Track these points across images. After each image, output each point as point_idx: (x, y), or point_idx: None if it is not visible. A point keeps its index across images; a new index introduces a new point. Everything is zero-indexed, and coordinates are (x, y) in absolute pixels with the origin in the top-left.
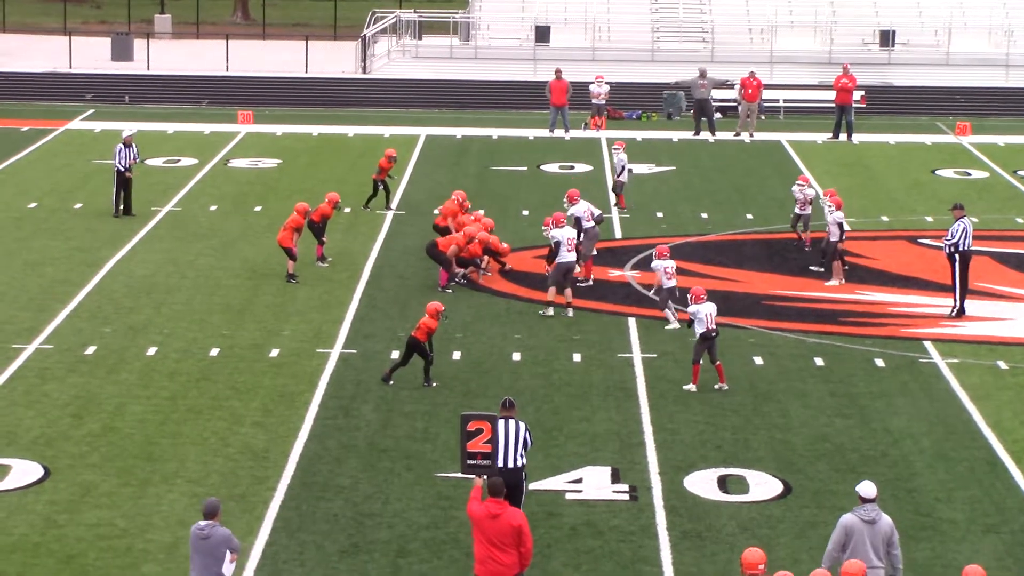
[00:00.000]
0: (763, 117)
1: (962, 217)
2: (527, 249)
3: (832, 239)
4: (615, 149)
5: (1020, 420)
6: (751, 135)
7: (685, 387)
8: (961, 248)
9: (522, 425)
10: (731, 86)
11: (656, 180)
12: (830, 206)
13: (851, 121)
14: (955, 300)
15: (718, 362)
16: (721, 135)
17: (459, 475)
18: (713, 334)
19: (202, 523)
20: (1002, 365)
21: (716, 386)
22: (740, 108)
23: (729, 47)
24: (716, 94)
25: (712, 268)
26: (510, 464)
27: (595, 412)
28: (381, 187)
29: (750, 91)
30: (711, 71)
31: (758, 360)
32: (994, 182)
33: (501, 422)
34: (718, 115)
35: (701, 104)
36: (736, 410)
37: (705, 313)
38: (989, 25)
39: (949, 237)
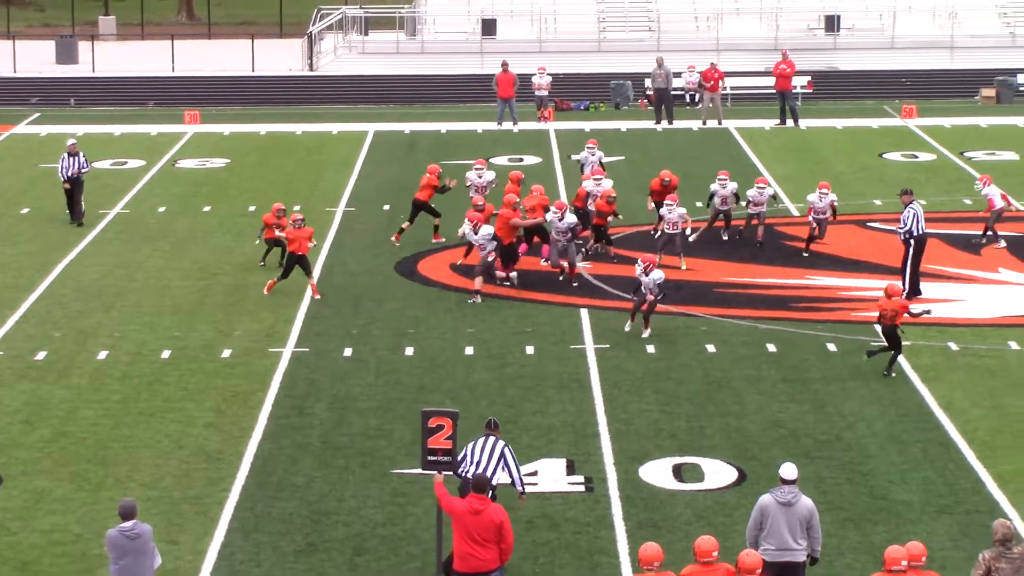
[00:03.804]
0: (728, 105)
1: (911, 202)
2: None
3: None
4: (589, 148)
5: (971, 401)
6: (719, 122)
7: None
8: (916, 233)
9: (500, 443)
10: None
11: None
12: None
13: (794, 107)
14: (903, 284)
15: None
16: (685, 123)
17: (415, 471)
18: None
19: (126, 524)
20: (953, 346)
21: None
22: (703, 99)
23: (675, 35)
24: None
25: (663, 257)
26: None
27: (549, 404)
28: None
29: (711, 82)
30: (664, 60)
31: (711, 348)
32: (941, 164)
33: (481, 439)
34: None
35: (660, 94)
36: (690, 398)
37: (652, 282)
38: (933, 8)
39: (902, 224)
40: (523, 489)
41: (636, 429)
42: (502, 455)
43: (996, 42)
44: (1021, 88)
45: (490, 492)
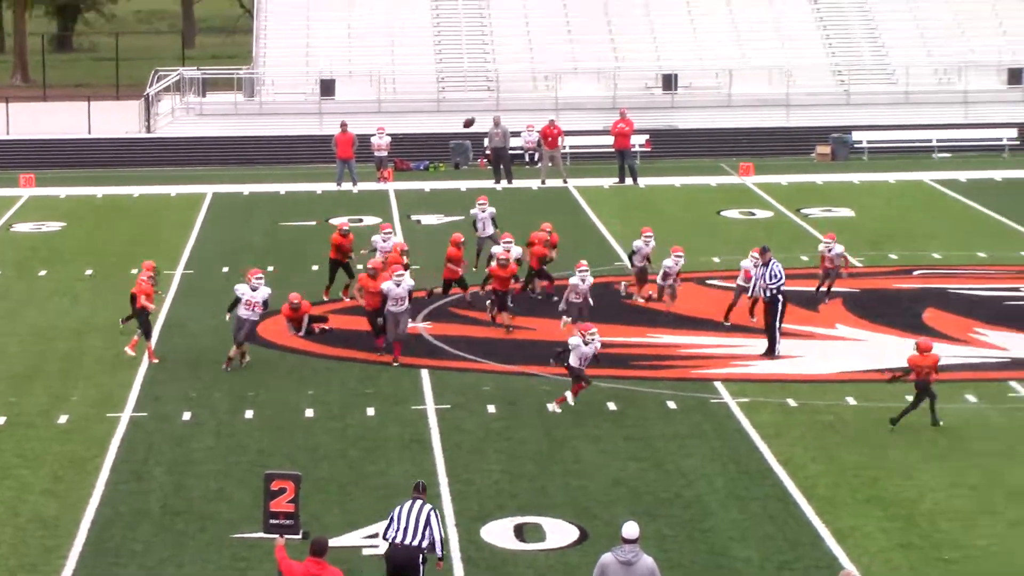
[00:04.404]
0: (567, 164)
1: (772, 260)
2: (319, 305)
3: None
4: (480, 205)
5: (810, 456)
6: (564, 180)
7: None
8: (782, 289)
9: (427, 507)
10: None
11: (444, 231)
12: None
13: (633, 165)
14: (774, 340)
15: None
16: (525, 183)
17: (256, 535)
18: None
19: None
20: (792, 403)
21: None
22: (542, 157)
23: (514, 95)
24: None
25: (498, 317)
26: (406, 542)
27: (390, 465)
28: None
29: (550, 139)
30: (501, 119)
31: (551, 407)
32: (778, 221)
33: (408, 502)
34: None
35: (498, 153)
36: (532, 457)
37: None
38: (769, 66)
39: (772, 279)
40: (442, 555)
41: (477, 489)
42: (428, 519)
43: (831, 100)
44: (856, 145)
45: (420, 556)
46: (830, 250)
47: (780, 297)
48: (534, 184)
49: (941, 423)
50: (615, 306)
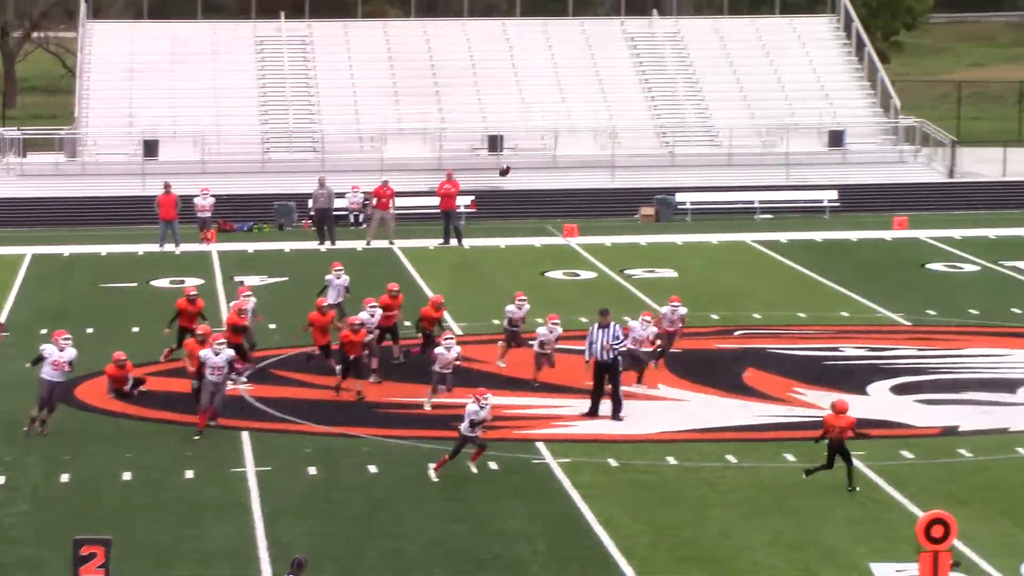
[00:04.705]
0: (395, 225)
1: (612, 322)
2: (143, 366)
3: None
4: (336, 271)
5: (631, 516)
6: (391, 242)
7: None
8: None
9: None
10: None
11: (269, 291)
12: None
13: (459, 226)
14: (620, 402)
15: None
16: (350, 243)
17: None
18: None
19: None
20: (612, 463)
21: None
22: (372, 217)
23: (340, 156)
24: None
25: (320, 378)
26: None
27: (209, 529)
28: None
29: (383, 200)
30: (326, 180)
31: (373, 469)
32: (602, 282)
33: None
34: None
35: (322, 214)
36: (351, 520)
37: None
38: (595, 128)
39: (616, 340)
40: None
41: (296, 552)
42: None
43: (655, 161)
44: (679, 206)
45: None
46: (674, 312)
47: (620, 359)
48: (358, 245)
49: (857, 489)
50: None
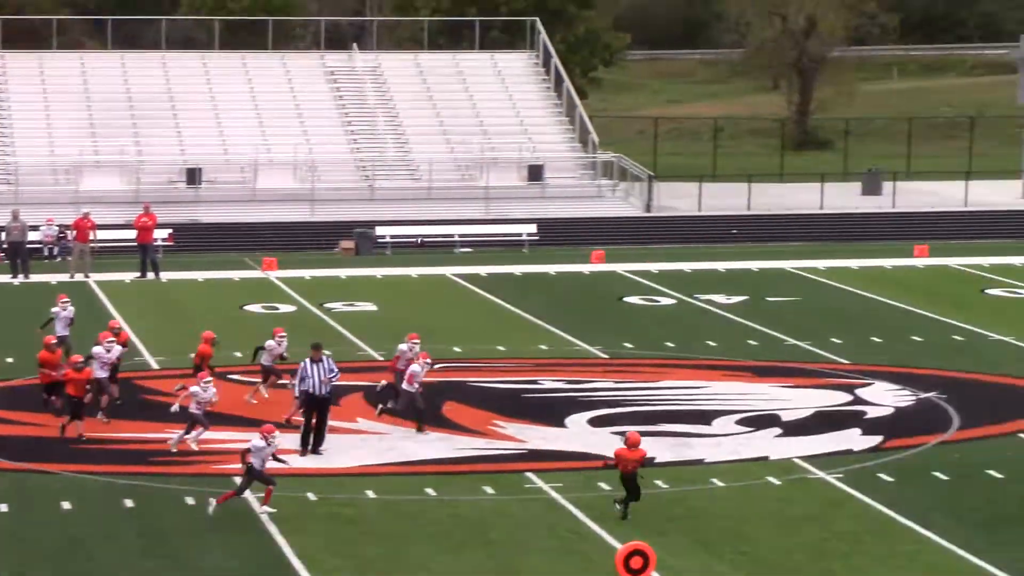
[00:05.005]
0: (94, 258)
1: (326, 356)
2: None
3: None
4: (62, 303)
5: (331, 551)
6: (87, 275)
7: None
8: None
9: None
10: None
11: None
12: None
13: (155, 259)
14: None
15: None
16: (44, 277)
17: None
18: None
19: None
20: (311, 496)
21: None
22: (72, 250)
23: (34, 188)
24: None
25: (18, 414)
26: None
27: None
28: None
29: (82, 232)
30: (20, 212)
31: (67, 505)
32: (301, 315)
33: None
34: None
35: (15, 247)
36: (46, 558)
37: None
38: (294, 161)
39: (332, 373)
40: None
41: None
42: None
43: (355, 195)
44: (379, 240)
45: None
46: (411, 349)
47: (330, 396)
48: (52, 279)
49: (628, 518)
50: (135, 402)
